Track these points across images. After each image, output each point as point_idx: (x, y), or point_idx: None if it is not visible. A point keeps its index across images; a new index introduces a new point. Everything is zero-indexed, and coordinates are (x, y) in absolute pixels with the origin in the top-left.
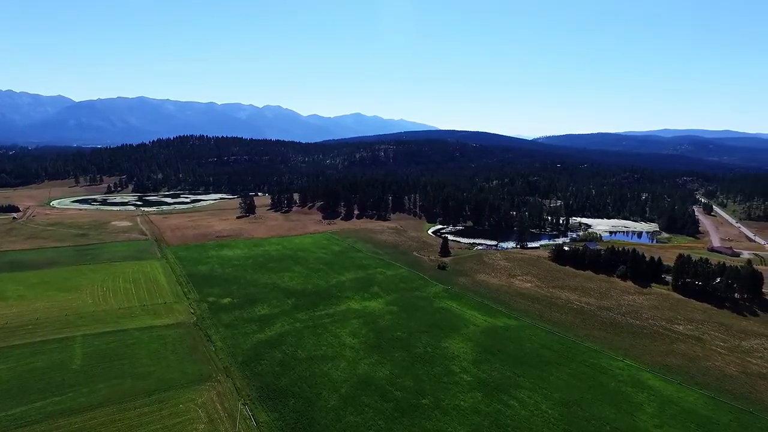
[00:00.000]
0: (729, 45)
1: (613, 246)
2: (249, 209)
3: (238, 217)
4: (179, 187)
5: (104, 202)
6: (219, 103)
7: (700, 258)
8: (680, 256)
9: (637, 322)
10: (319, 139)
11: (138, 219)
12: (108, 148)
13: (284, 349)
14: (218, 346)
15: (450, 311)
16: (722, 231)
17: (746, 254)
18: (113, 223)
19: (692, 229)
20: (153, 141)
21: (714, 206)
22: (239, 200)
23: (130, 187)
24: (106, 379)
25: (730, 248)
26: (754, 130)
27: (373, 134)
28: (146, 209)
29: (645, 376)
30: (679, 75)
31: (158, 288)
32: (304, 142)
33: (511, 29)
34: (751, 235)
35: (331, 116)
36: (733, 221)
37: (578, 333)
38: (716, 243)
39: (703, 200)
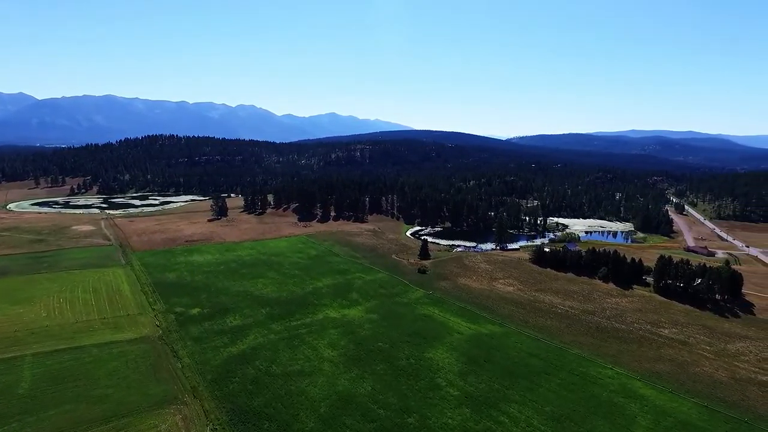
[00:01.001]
0: (692, 50)
1: (593, 247)
2: (221, 211)
3: (209, 220)
4: (148, 189)
5: (66, 205)
6: (191, 102)
7: (681, 259)
8: (661, 257)
9: (623, 326)
10: (293, 139)
11: (102, 223)
12: (72, 147)
13: (258, 365)
14: (185, 362)
15: (432, 318)
16: (695, 230)
17: (720, 254)
18: (74, 227)
19: (666, 228)
20: (120, 140)
21: (685, 206)
22: (211, 202)
23: (95, 189)
24: (57, 404)
25: (705, 248)
26: (715, 131)
27: (348, 134)
28: (111, 212)
29: (636, 384)
30: (645, 78)
31: (121, 298)
32: (278, 142)
33: (482, 31)
34: (722, 234)
35: (306, 116)
36: (704, 220)
37: (564, 339)
38: (690, 242)
39: (674, 200)
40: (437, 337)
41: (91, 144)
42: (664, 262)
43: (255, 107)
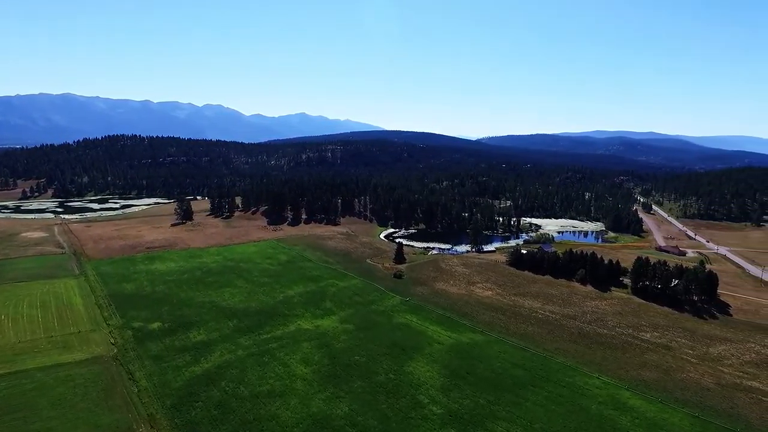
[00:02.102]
0: (651, 53)
1: (570, 249)
2: (185, 215)
3: (173, 225)
4: (108, 192)
5: (17, 210)
6: (155, 102)
7: (658, 260)
8: (638, 258)
9: (605, 331)
10: (262, 140)
11: (55, 228)
12: (25, 148)
13: (224, 386)
14: (142, 385)
15: (411, 327)
16: (663, 229)
17: (691, 253)
18: (24, 234)
19: (637, 228)
20: (78, 141)
21: (653, 205)
22: (175, 205)
23: (50, 192)
24: None
25: (677, 247)
26: (674, 132)
27: (319, 134)
28: (67, 217)
29: (624, 395)
30: (608, 80)
31: (72, 313)
32: (246, 142)
33: (450, 33)
34: (689, 232)
35: (276, 116)
36: (671, 219)
37: (548, 347)
38: (660, 241)
39: (641, 199)
40: (417, 347)
41: (47, 144)
42: (641, 264)
43: (222, 107)
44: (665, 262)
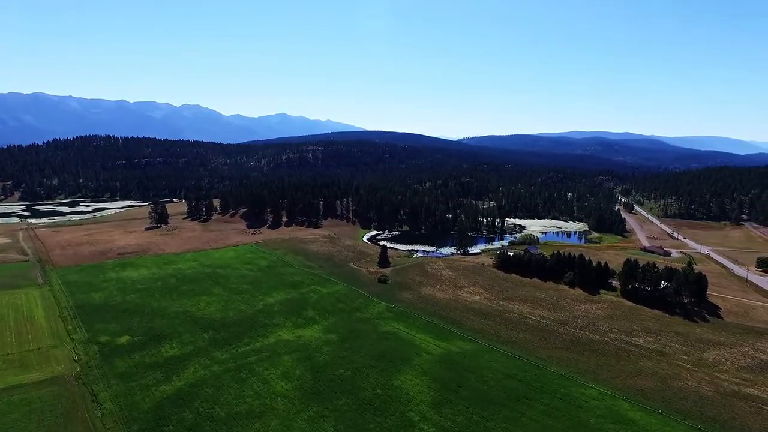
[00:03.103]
0: (626, 54)
1: (558, 251)
2: (160, 219)
3: (147, 229)
4: (79, 195)
5: None
6: (131, 101)
7: (648, 262)
8: (627, 260)
9: (597, 336)
10: (242, 140)
11: (20, 234)
12: None
13: (197, 407)
14: (106, 409)
15: (398, 336)
16: (646, 229)
17: (675, 253)
18: None
19: (620, 228)
20: (47, 141)
21: (634, 205)
22: (149, 208)
23: (17, 195)
24: None
25: (661, 248)
26: (649, 133)
27: (299, 135)
28: (34, 221)
29: (622, 406)
30: (585, 80)
31: (33, 327)
32: (225, 143)
33: (431, 33)
34: (672, 232)
35: (255, 116)
36: (653, 219)
37: (540, 355)
38: (644, 241)
39: (622, 199)
40: (404, 359)
41: (14, 145)
42: (630, 266)
43: (201, 107)
44: (654, 264)
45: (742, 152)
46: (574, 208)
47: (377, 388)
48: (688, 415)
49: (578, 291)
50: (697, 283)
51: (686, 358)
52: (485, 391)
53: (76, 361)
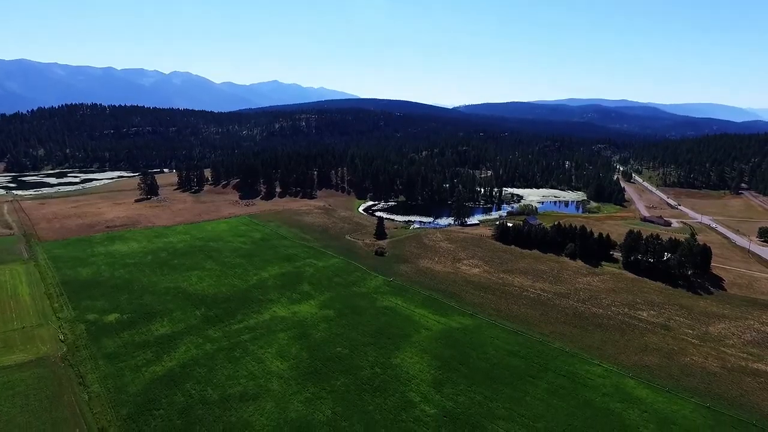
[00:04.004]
0: (623, 20)
1: (558, 222)
2: (150, 190)
3: (136, 201)
4: (66, 165)
5: None
6: (118, 68)
7: (651, 234)
8: (630, 232)
9: (600, 310)
10: (233, 109)
11: (4, 207)
12: None
13: (189, 388)
14: (94, 391)
15: (396, 311)
16: (645, 198)
17: (675, 223)
18: None
19: (619, 197)
20: (32, 110)
21: (633, 174)
22: (139, 179)
23: (2, 166)
24: None
25: (661, 218)
26: (645, 100)
27: (292, 103)
28: (20, 193)
29: (629, 383)
30: (582, 46)
31: (17, 305)
32: (217, 111)
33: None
34: (671, 201)
35: (247, 84)
36: (651, 188)
37: (543, 329)
38: (644, 211)
39: (620, 168)
40: (403, 335)
41: None
42: (633, 237)
43: (191, 74)
44: (658, 236)
45: (738, 119)
46: (573, 177)
47: (376, 366)
48: (695, 392)
49: (579, 263)
50: (702, 255)
51: (691, 332)
52: (487, 369)
53: (62, 341)
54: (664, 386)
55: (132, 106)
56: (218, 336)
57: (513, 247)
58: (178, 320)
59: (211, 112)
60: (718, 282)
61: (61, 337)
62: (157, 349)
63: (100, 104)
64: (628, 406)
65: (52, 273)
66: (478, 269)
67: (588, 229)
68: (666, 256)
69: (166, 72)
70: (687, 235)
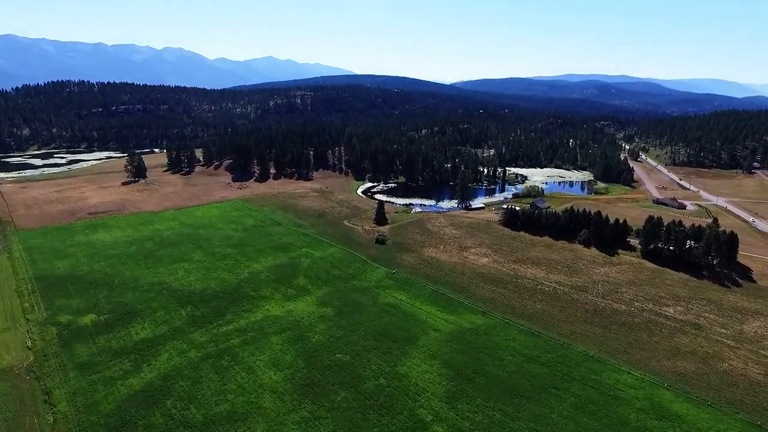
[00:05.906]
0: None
1: (571, 207)
2: (138, 172)
3: (123, 183)
4: (53, 145)
5: None
6: (109, 44)
7: (673, 220)
8: (650, 218)
9: (622, 306)
10: (227, 86)
11: None
12: None
13: (169, 407)
14: (60, 411)
15: (400, 309)
16: (654, 178)
17: (690, 206)
18: None
19: (627, 177)
20: (16, 87)
21: (640, 152)
22: (126, 161)
23: None
24: None
25: (675, 199)
26: (645, 75)
27: (287, 79)
28: (1, 175)
29: (665, 396)
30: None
31: None
32: (210, 88)
33: None
34: (682, 182)
35: (241, 60)
36: (660, 167)
37: (562, 330)
38: (653, 192)
39: (626, 146)
40: (410, 338)
41: None
42: (653, 224)
43: (184, 50)
44: (680, 222)
45: (739, 95)
46: (578, 156)
47: (381, 376)
48: (741, 406)
49: (594, 251)
50: (728, 243)
51: (725, 331)
52: (505, 379)
53: (29, 348)
54: (705, 399)
55: (121, 83)
56: (205, 340)
57: (522, 233)
58: (161, 321)
59: (203, 89)
60: (745, 273)
61: (29, 343)
62: (136, 357)
63: (88, 81)
64: (668, 425)
65: (26, 266)
66: (486, 259)
67: (603, 215)
68: (689, 244)
69: (159, 48)
70: (709, 220)
